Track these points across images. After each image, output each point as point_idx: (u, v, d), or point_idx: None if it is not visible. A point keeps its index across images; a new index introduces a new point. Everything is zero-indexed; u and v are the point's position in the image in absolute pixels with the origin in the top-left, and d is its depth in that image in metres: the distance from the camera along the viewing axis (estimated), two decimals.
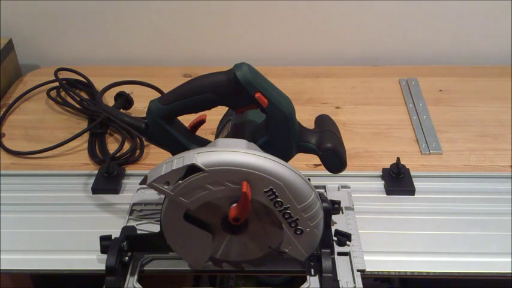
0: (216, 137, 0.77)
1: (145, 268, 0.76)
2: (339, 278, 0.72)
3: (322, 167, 0.72)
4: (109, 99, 1.09)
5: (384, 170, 0.92)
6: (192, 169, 0.62)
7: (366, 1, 1.21)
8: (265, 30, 1.27)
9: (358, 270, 0.74)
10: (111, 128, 1.05)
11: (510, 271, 0.76)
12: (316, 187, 0.80)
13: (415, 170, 0.93)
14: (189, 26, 1.26)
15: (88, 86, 1.15)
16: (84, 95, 1.13)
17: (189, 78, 0.70)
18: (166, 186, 0.63)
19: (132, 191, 0.88)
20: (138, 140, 1.00)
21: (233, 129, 0.73)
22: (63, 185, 0.92)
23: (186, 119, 0.73)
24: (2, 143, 1.02)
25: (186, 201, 0.64)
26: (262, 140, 0.70)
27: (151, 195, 0.86)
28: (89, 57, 1.30)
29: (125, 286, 0.73)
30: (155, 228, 0.80)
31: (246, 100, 0.67)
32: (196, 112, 0.71)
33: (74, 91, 1.10)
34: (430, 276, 0.76)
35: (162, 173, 0.63)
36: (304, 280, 0.73)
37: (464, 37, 1.26)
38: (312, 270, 0.74)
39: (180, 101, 0.69)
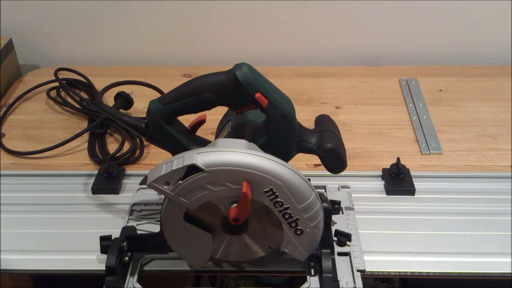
0: (216, 137, 0.77)
1: (145, 268, 0.76)
2: (339, 278, 0.72)
3: (322, 167, 0.72)
4: (109, 99, 1.09)
5: (384, 170, 0.92)
6: (192, 169, 0.62)
7: (365, 1, 1.21)
8: (265, 30, 1.27)
9: (358, 271, 0.74)
10: (111, 128, 1.05)
11: (510, 271, 0.76)
12: (316, 187, 0.80)
13: (415, 170, 0.93)
14: (189, 26, 1.26)
15: (88, 86, 1.15)
16: (84, 95, 1.13)
17: (189, 78, 0.70)
18: (166, 187, 0.63)
19: (132, 191, 0.88)
20: (138, 140, 1.00)
21: (233, 129, 0.73)
22: (63, 185, 0.92)
23: (186, 119, 0.73)
24: (2, 143, 1.02)
25: (186, 201, 0.64)
26: (262, 140, 0.70)
27: (151, 195, 0.86)
28: (89, 57, 1.30)
29: (125, 286, 0.73)
30: (155, 228, 0.80)
31: (246, 100, 0.67)
32: (196, 112, 0.71)
33: (74, 91, 1.10)
34: (430, 276, 0.76)
35: (162, 173, 0.63)
36: (304, 280, 0.73)
37: (464, 37, 1.26)
38: (312, 270, 0.74)
39: (180, 101, 0.69)
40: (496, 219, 0.84)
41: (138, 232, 0.79)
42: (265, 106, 0.67)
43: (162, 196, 0.66)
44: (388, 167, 0.91)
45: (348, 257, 0.76)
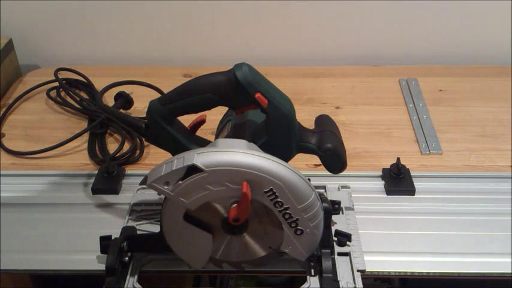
0: (216, 137, 0.77)
1: (145, 268, 0.76)
2: (339, 278, 0.72)
3: (322, 167, 0.72)
4: (109, 99, 1.09)
5: (384, 170, 0.92)
6: (192, 169, 0.62)
7: (365, 1, 1.21)
8: (265, 30, 1.27)
9: (358, 271, 0.74)
10: (111, 128, 1.05)
11: (510, 271, 0.76)
12: (316, 187, 0.80)
13: (415, 170, 0.92)
14: (189, 26, 1.26)
15: (88, 86, 1.15)
16: (84, 95, 1.13)
17: (189, 78, 0.70)
18: (166, 187, 0.63)
19: (132, 191, 0.88)
20: (138, 140, 1.00)
21: (233, 129, 0.73)
22: (63, 185, 0.92)
23: (186, 119, 0.73)
24: (2, 143, 1.02)
25: (186, 201, 0.64)
26: (262, 140, 0.70)
27: (151, 195, 0.86)
28: (89, 57, 1.30)
29: (125, 286, 0.73)
30: (155, 228, 0.80)
31: (246, 100, 0.67)
32: (196, 112, 0.71)
33: (73, 91, 1.10)
34: (430, 276, 0.76)
35: (162, 173, 0.63)
36: (304, 280, 0.73)
37: (464, 37, 1.26)
38: (312, 270, 0.74)
39: (180, 101, 0.69)
40: (496, 219, 0.84)
41: (138, 232, 0.79)
42: (265, 106, 0.67)
43: (162, 196, 0.66)
44: (388, 167, 0.91)
45: (348, 257, 0.76)
